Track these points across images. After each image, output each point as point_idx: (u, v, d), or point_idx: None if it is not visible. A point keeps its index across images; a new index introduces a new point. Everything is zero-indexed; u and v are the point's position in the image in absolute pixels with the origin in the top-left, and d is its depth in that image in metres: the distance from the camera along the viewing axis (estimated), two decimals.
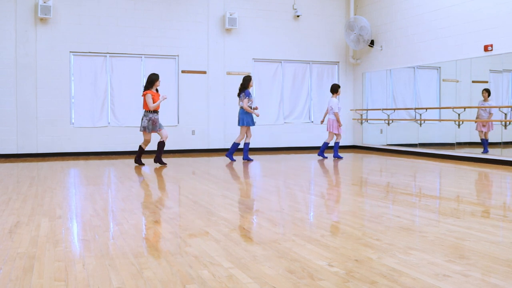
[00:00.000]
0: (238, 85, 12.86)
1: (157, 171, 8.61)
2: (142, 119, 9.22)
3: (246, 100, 10.03)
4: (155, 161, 9.47)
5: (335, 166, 9.73)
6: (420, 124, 11.68)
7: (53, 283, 2.83)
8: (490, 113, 10.30)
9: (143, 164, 9.47)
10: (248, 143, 10.35)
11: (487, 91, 10.30)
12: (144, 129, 9.14)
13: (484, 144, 10.45)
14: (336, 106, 10.79)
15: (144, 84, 9.35)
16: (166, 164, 9.48)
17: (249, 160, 10.34)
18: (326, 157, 11.07)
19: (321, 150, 11.10)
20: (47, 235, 3.98)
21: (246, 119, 10.10)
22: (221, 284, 2.81)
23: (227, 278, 2.91)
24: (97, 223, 4.44)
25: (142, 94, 9.25)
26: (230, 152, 10.31)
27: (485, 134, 10.42)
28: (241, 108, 10.15)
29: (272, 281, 2.85)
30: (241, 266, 3.13)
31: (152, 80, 9.15)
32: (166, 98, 9.39)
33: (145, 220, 4.73)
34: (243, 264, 3.18)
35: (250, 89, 10.29)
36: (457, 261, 3.24)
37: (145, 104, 9.15)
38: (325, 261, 3.25)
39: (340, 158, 10.95)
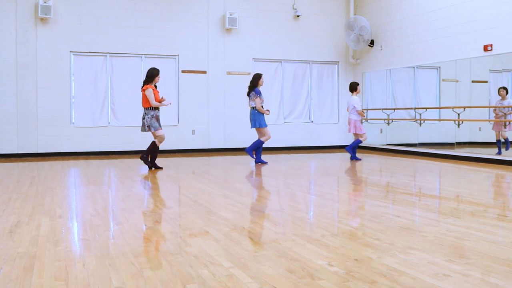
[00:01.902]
0: (238, 85, 12.97)
1: (156, 172, 8.61)
2: (144, 117, 8.42)
3: (258, 100, 9.27)
4: (147, 164, 8.66)
5: (335, 166, 9.73)
6: (420, 124, 11.68)
7: (53, 282, 2.84)
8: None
9: (161, 168, 8.74)
10: (261, 141, 9.54)
11: (505, 89, 9.79)
12: (149, 128, 8.33)
13: (501, 143, 9.94)
14: (359, 104, 10.23)
15: (144, 79, 8.58)
16: (151, 167, 8.70)
17: (264, 162, 9.60)
18: (360, 159, 10.46)
19: (353, 152, 10.39)
20: (48, 234, 3.98)
21: (258, 120, 9.35)
22: (221, 283, 2.82)
23: (227, 278, 2.91)
24: (98, 223, 4.45)
25: (141, 89, 8.47)
26: (257, 154, 9.54)
27: (503, 134, 9.88)
28: (253, 108, 9.41)
29: (272, 281, 2.85)
30: (241, 266, 3.13)
31: (152, 75, 8.42)
32: (170, 104, 8.79)
33: (145, 219, 4.73)
34: (243, 263, 3.19)
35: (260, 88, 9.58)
36: (457, 260, 3.24)
37: (144, 101, 8.39)
38: (325, 260, 3.25)
39: (358, 159, 10.33)
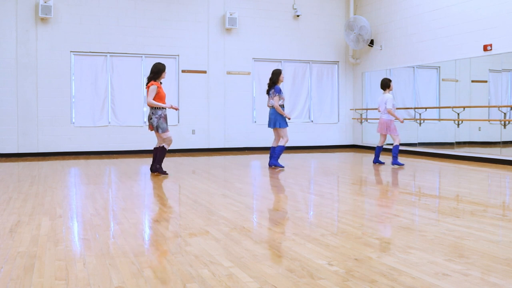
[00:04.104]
0: (238, 85, 12.98)
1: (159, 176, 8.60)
2: (150, 117, 7.60)
3: (277, 97, 8.46)
4: (153, 171, 7.92)
5: (335, 166, 9.73)
6: (420, 124, 11.69)
7: (53, 282, 2.85)
8: None
9: (166, 174, 7.88)
10: (284, 147, 8.78)
11: None
12: (157, 129, 7.56)
13: None
14: (391, 103, 9.18)
15: (148, 75, 7.78)
16: (167, 173, 7.93)
17: (280, 166, 8.82)
18: (383, 162, 9.58)
19: (376, 155, 9.55)
20: (48, 234, 3.99)
21: (279, 119, 8.56)
22: (221, 283, 2.82)
23: (227, 277, 2.92)
24: (98, 222, 4.45)
25: (146, 86, 7.72)
26: (275, 158, 8.77)
27: None
28: (272, 107, 8.65)
29: (272, 280, 2.86)
30: (241, 265, 3.14)
31: (159, 70, 7.68)
32: (176, 109, 7.96)
33: (146, 219, 4.74)
34: (243, 263, 3.19)
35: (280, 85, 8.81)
36: (456, 260, 3.25)
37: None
38: (325, 260, 3.26)
39: (401, 165, 9.16)
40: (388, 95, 9.31)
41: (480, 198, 5.85)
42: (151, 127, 7.65)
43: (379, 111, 9.50)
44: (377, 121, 13.00)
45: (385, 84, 9.39)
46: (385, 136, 9.54)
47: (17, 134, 11.18)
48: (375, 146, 13.24)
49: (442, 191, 6.74)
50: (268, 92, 8.72)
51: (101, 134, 11.81)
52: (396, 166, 9.13)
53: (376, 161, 9.58)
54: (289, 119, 8.81)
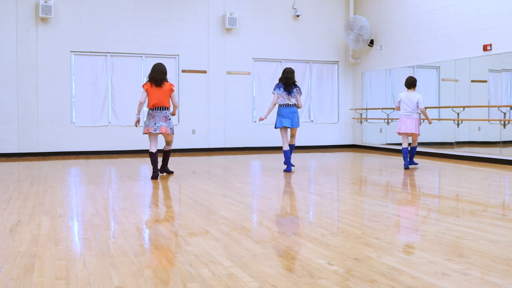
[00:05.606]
0: (238, 85, 12.97)
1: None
2: (170, 118, 7.41)
3: (300, 98, 8.37)
4: (161, 172, 7.88)
5: (335, 166, 9.73)
6: (420, 124, 11.67)
7: (54, 281, 2.85)
8: None
9: (173, 172, 8.07)
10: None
11: None
12: (172, 131, 7.46)
13: None
14: (423, 102, 8.88)
15: (159, 75, 7.36)
16: (173, 172, 8.11)
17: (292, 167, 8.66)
18: (417, 163, 9.31)
19: (410, 157, 9.10)
20: (48, 233, 3.99)
21: (298, 118, 8.39)
22: (221, 282, 2.83)
23: (227, 277, 2.92)
24: (98, 222, 4.46)
25: (169, 87, 7.38)
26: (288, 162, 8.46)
27: None
28: (294, 105, 8.28)
29: (272, 280, 2.87)
30: (241, 265, 3.15)
31: (166, 71, 7.54)
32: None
33: (146, 219, 4.75)
34: (243, 262, 3.20)
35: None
36: (456, 259, 3.25)
37: (166, 100, 7.33)
38: (325, 259, 3.26)
39: (415, 164, 9.21)
40: (417, 94, 8.88)
41: (480, 198, 5.85)
42: (165, 129, 7.31)
43: (399, 110, 9.01)
44: (377, 121, 13.06)
45: (412, 83, 8.92)
46: (407, 136, 9.07)
47: (17, 134, 11.19)
48: (375, 146, 13.33)
49: (442, 190, 6.74)
50: (289, 90, 8.23)
51: (101, 134, 11.81)
52: (412, 166, 9.06)
53: (410, 162, 9.07)
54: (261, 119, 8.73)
